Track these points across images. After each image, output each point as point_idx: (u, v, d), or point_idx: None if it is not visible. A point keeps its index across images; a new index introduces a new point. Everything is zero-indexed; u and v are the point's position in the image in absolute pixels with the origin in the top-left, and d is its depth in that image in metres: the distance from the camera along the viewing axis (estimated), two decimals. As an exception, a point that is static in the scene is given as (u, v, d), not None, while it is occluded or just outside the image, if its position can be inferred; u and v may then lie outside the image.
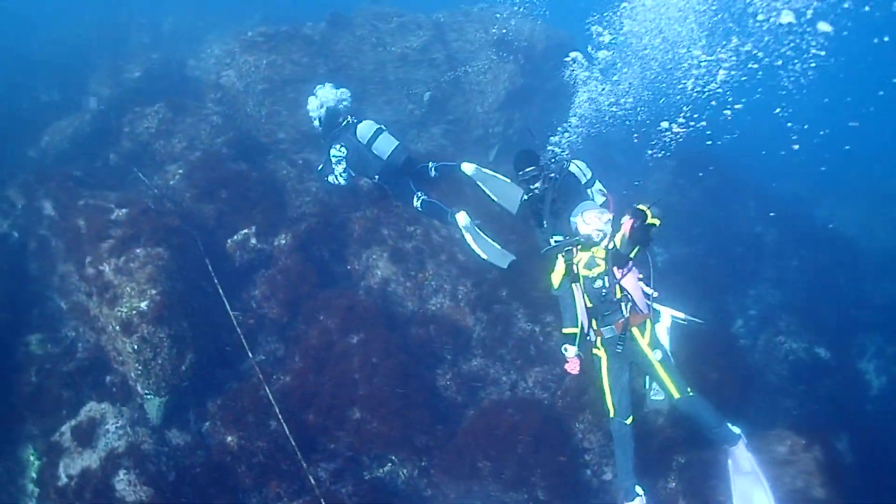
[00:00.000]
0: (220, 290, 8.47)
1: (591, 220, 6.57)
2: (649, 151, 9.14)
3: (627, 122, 8.90)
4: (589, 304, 6.57)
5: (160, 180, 10.09)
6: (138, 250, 8.26)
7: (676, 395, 6.23)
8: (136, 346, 7.43)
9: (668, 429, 7.50)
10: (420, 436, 7.43)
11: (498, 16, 11.52)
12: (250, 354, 8.00)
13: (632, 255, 6.42)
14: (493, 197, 8.86)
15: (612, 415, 6.40)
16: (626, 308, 6.41)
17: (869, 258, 11.88)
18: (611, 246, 6.54)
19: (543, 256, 7.33)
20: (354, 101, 11.14)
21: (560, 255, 6.78)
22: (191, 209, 9.55)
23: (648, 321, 6.44)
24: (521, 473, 7.08)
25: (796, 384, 9.64)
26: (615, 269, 6.48)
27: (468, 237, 8.61)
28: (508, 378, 8.38)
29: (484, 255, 8.49)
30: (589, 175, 8.15)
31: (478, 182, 9.03)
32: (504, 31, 11.45)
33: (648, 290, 6.49)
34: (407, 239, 9.00)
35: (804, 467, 6.78)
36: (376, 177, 9.14)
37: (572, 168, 8.10)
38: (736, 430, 6.24)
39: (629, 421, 6.35)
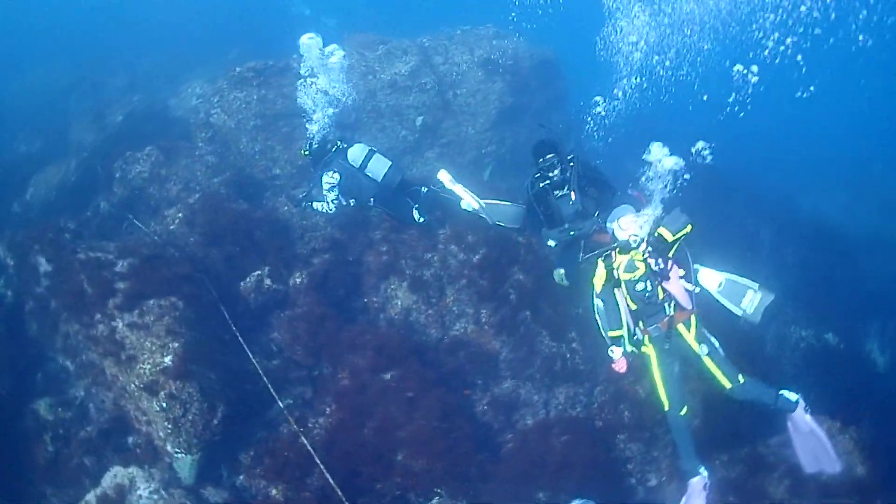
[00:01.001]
0: (241, 339, 7.89)
1: (627, 225, 6.26)
2: (730, 99, 8.49)
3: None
4: (633, 307, 6.32)
5: (158, 226, 9.46)
6: (150, 302, 7.64)
7: (728, 386, 6.09)
8: (164, 405, 6.80)
9: (702, 430, 7.21)
10: (467, 466, 6.96)
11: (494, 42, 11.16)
12: (280, 403, 7.42)
13: (670, 255, 6.21)
14: (492, 220, 8.19)
15: (666, 408, 6.20)
16: (671, 307, 6.19)
17: (856, 242, 11.85)
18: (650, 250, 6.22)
19: (584, 263, 6.90)
20: (348, 131, 10.72)
21: (600, 261, 6.50)
22: (196, 254, 8.92)
23: (693, 316, 6.22)
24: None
25: (810, 370, 9.44)
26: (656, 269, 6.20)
27: (460, 191, 8.03)
28: (540, 397, 8.06)
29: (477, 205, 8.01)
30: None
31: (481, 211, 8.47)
32: (491, 51, 11.11)
33: (690, 287, 6.22)
34: (425, 266, 8.56)
35: (844, 447, 6.65)
36: (371, 200, 8.64)
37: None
38: (793, 396, 6.14)
39: (684, 412, 6.20)
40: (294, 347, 8.06)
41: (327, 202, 8.58)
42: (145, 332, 7.27)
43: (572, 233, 7.32)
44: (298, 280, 8.46)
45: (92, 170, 10.58)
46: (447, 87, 11.26)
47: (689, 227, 6.09)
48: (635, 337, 6.44)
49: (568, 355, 8.20)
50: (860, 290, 10.54)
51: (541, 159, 7.38)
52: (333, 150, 8.76)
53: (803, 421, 6.16)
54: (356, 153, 8.60)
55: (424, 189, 8.80)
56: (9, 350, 8.56)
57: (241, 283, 8.48)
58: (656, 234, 6.15)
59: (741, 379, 6.07)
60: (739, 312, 6.46)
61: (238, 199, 9.77)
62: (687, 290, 6.20)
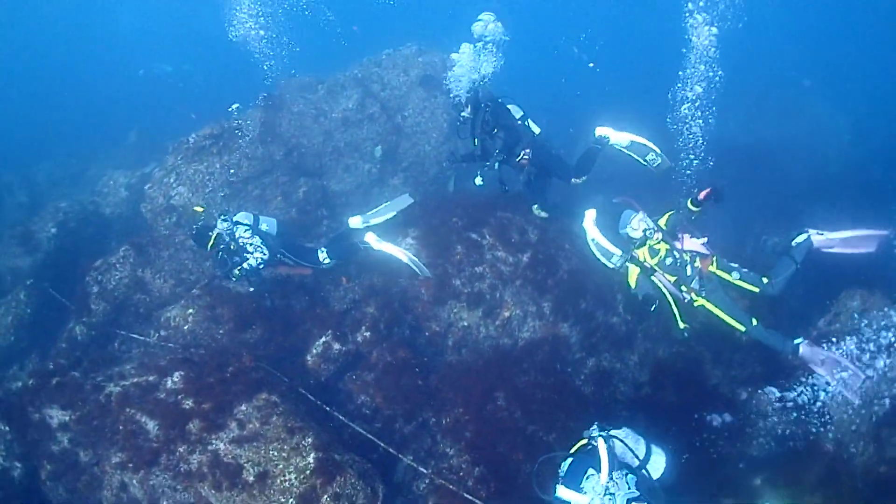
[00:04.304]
0: (339, 416, 6.71)
1: (637, 224, 6.99)
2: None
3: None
4: (672, 278, 6.90)
5: (164, 331, 7.73)
6: (243, 408, 6.21)
7: (758, 290, 6.85)
8: (329, 510, 5.51)
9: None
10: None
11: (421, 60, 10.51)
12: (423, 469, 6.40)
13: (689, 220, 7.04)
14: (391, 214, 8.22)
15: (743, 329, 6.70)
16: (697, 261, 6.89)
17: (766, 153, 12.59)
18: (659, 237, 6.98)
19: (615, 271, 7.29)
20: (315, 178, 9.65)
21: (629, 264, 7.05)
22: (227, 345, 7.43)
23: (714, 258, 6.92)
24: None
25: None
26: (675, 242, 6.96)
27: (388, 248, 7.79)
28: (622, 364, 7.85)
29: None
30: (521, 114, 8.39)
31: (372, 223, 8.18)
32: (424, 69, 10.46)
33: (702, 240, 6.97)
34: (479, 280, 7.82)
35: (878, 304, 7.16)
36: (279, 254, 7.74)
37: (509, 106, 8.37)
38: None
39: (755, 322, 6.70)
40: (391, 404, 7.02)
41: (259, 250, 7.50)
42: (262, 442, 5.89)
43: (486, 166, 8.18)
44: (367, 334, 7.35)
45: (46, 296, 8.41)
46: (394, 111, 10.44)
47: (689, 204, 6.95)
48: (685, 301, 6.88)
49: (618, 321, 8.02)
50: (793, 192, 11.27)
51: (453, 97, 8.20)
52: (225, 224, 7.66)
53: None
54: (243, 218, 7.75)
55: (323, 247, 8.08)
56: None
57: (309, 357, 7.21)
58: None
59: (765, 280, 6.86)
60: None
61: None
62: (701, 243, 6.97)
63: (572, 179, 8.44)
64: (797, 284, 8.21)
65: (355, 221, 8.19)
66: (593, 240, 7.36)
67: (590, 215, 7.44)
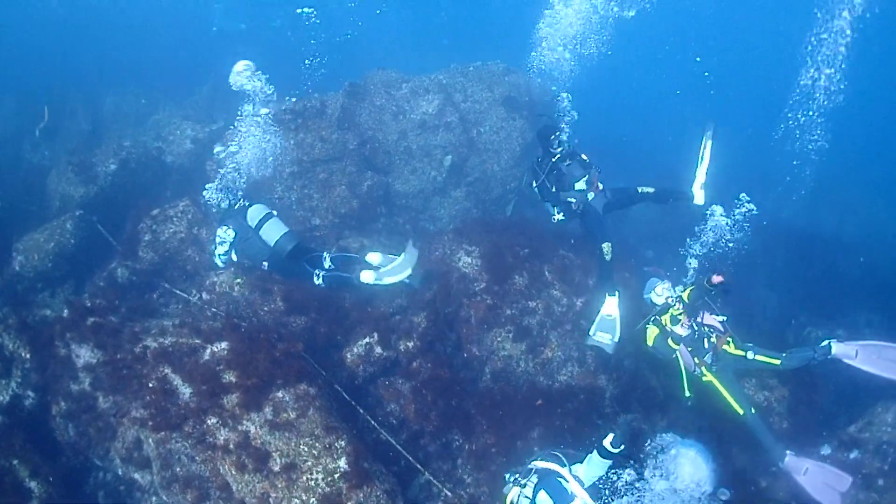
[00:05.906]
0: (372, 421, 6.49)
1: (661, 292, 7.33)
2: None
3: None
4: (689, 348, 7.09)
5: (207, 294, 7.53)
6: (280, 394, 6.01)
7: (778, 362, 7.02)
8: (350, 519, 5.28)
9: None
10: None
11: (507, 79, 10.33)
12: (443, 488, 6.16)
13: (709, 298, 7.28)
14: (401, 279, 7.55)
15: (741, 413, 6.86)
16: (713, 337, 7.13)
17: (829, 243, 12.42)
18: (680, 308, 7.21)
19: (638, 330, 7.36)
20: (381, 174, 9.46)
21: (650, 325, 7.25)
22: (269, 324, 7.21)
23: (729, 337, 7.15)
24: None
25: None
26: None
27: (385, 281, 7.45)
28: (650, 427, 7.52)
29: (398, 279, 7.46)
30: None
31: (382, 280, 7.53)
32: (510, 89, 10.28)
33: (721, 318, 7.25)
34: (530, 314, 7.60)
35: None
36: (265, 263, 7.52)
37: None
38: (831, 343, 6.98)
39: (754, 410, 6.94)
40: (420, 418, 6.79)
41: (216, 256, 7.51)
42: (295, 434, 5.66)
43: (583, 189, 8.03)
44: (410, 344, 7.12)
45: (93, 231, 8.22)
46: (471, 125, 10.26)
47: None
48: (695, 373, 7.07)
49: (658, 385, 7.76)
50: (848, 286, 11.07)
51: (552, 137, 8.18)
52: (236, 206, 7.69)
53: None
54: (254, 214, 7.58)
55: (326, 255, 7.82)
56: (46, 465, 6.39)
57: (348, 354, 6.99)
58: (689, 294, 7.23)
59: (784, 354, 7.07)
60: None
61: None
62: (719, 321, 7.26)
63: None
64: (829, 386, 8.18)
65: (367, 277, 7.44)
66: (610, 315, 7.43)
67: (613, 301, 7.46)
